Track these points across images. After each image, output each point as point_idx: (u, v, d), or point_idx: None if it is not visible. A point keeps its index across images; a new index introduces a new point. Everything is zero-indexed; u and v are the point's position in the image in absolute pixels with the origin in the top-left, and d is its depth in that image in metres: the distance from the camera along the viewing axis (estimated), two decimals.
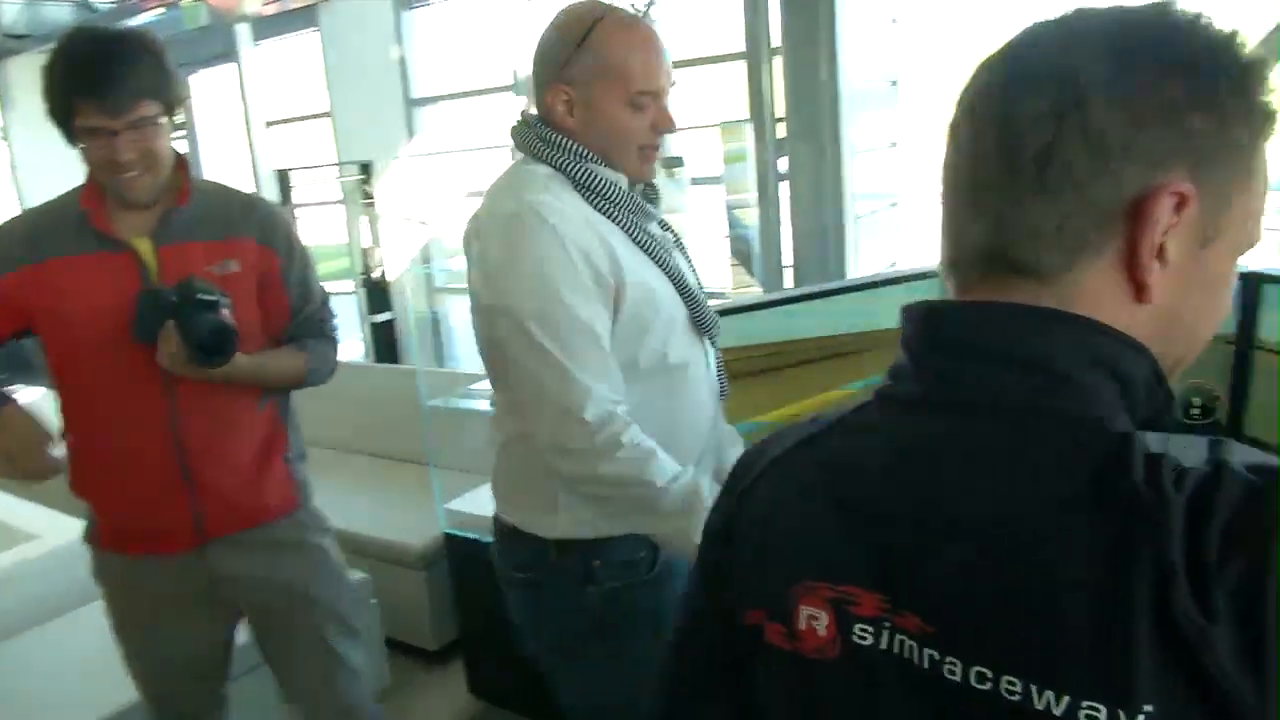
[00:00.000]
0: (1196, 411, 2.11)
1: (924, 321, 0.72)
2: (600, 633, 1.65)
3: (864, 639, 0.70)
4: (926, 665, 0.66)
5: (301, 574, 2.05)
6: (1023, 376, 0.66)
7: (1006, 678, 0.61)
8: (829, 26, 3.87)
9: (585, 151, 1.56)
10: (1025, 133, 0.65)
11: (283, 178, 6.11)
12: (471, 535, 2.92)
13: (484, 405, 3.22)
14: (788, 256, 4.31)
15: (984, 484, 0.66)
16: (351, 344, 5.62)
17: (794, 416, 2.29)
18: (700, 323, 1.64)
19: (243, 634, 2.10)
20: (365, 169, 5.72)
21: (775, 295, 2.42)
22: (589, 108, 1.55)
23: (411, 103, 5.78)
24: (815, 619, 0.72)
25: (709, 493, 1.49)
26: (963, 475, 0.67)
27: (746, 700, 0.80)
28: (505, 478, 1.73)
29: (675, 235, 1.74)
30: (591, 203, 1.54)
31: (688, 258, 1.74)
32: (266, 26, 6.36)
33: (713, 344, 1.71)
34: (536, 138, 1.58)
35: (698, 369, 1.67)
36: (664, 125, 1.60)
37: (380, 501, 3.57)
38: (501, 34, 5.28)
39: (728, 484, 0.86)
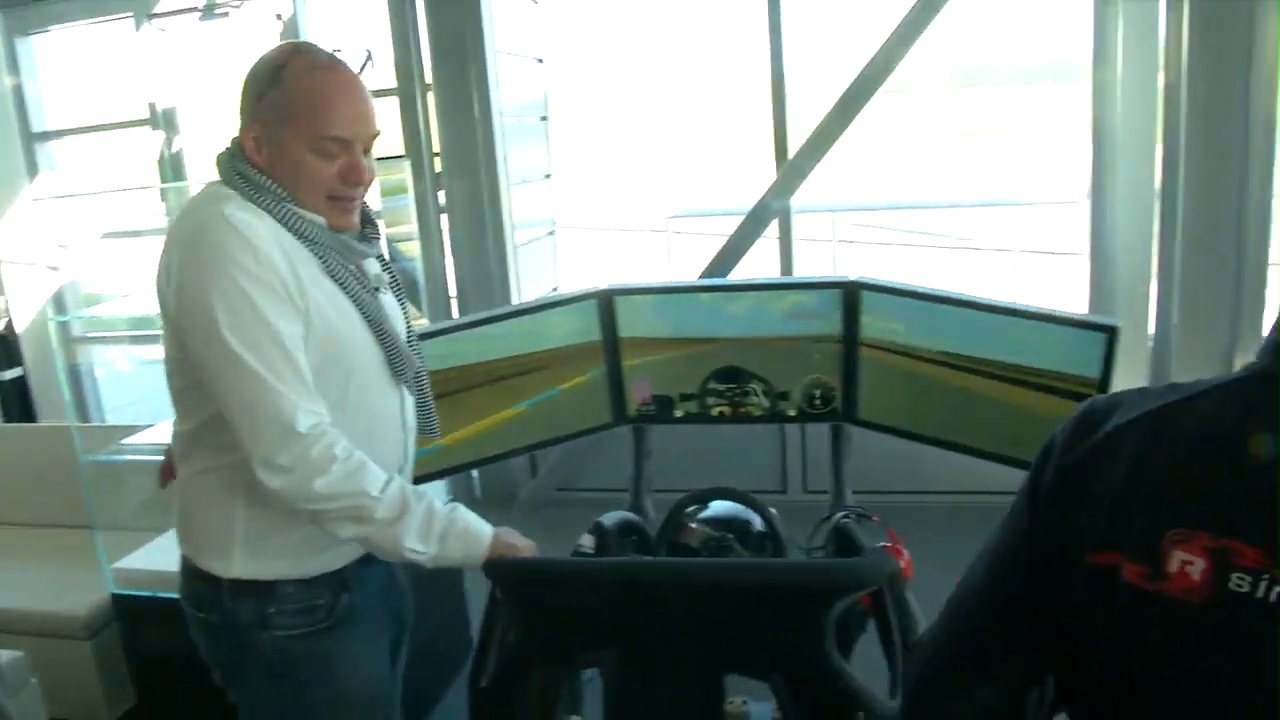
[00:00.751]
0: (819, 402, 2.45)
1: None
2: (272, 678, 1.63)
3: (1240, 587, 0.77)
4: None
5: None
6: None
7: None
8: (479, 63, 4.04)
9: (280, 190, 1.52)
10: None
11: None
12: (144, 593, 2.78)
13: (145, 457, 3.07)
14: (453, 287, 4.42)
15: None
16: None
17: (469, 438, 2.39)
18: (396, 368, 1.63)
19: None
20: None
21: (444, 324, 2.51)
22: (274, 147, 1.52)
23: (33, 137, 5.29)
24: (1190, 564, 0.79)
25: (413, 497, 1.52)
26: None
27: (1069, 632, 0.89)
28: (184, 515, 1.67)
29: (393, 275, 1.73)
30: (290, 233, 1.52)
31: (402, 299, 1.74)
32: None
33: (409, 389, 1.70)
34: (234, 171, 1.53)
35: (388, 416, 1.67)
36: (353, 177, 1.54)
37: (32, 572, 3.25)
38: (136, 63, 4.96)
39: (1073, 436, 0.92)
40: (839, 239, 6.16)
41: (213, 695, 2.72)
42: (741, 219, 4.24)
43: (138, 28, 4.93)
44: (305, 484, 1.44)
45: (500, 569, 1.56)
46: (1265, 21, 3.37)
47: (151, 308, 1.57)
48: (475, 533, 1.56)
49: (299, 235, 1.52)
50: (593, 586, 1.48)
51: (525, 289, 4.44)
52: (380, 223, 1.76)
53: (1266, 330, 0.88)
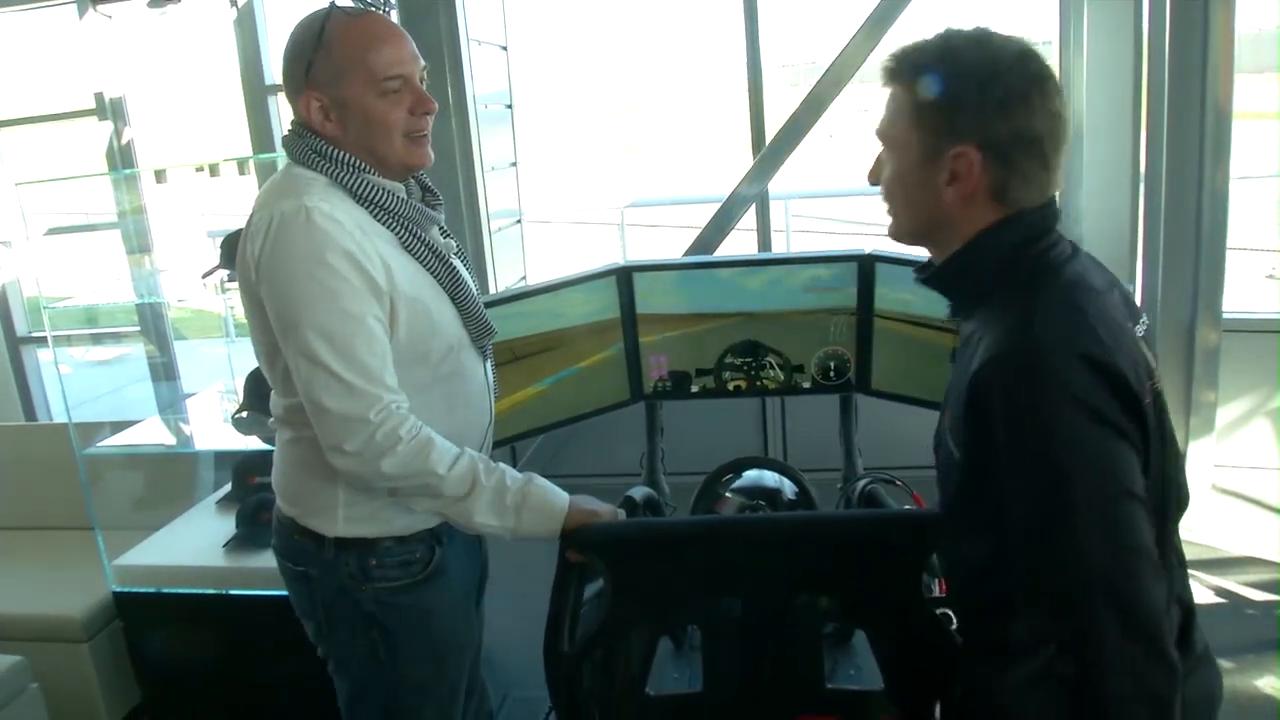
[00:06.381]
0: (833, 374, 2.49)
1: None
2: (369, 628, 1.69)
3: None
4: None
5: None
6: None
7: None
8: (453, 50, 4.00)
9: (358, 162, 1.56)
10: None
11: None
12: (147, 590, 2.70)
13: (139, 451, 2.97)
14: None
15: None
16: None
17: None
18: (474, 334, 1.69)
19: None
20: None
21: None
22: (341, 107, 1.56)
23: None
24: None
25: (483, 472, 1.56)
26: None
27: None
28: (286, 475, 1.72)
29: (457, 243, 1.76)
30: (370, 212, 1.55)
31: (467, 265, 1.77)
32: None
33: (487, 355, 1.77)
34: (309, 149, 1.57)
35: (476, 381, 1.73)
36: (422, 107, 1.59)
37: (26, 575, 3.12)
38: (81, 51, 4.78)
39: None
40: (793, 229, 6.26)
41: (217, 690, 2.67)
42: (696, 206, 4.28)
43: (80, 15, 4.76)
44: (372, 465, 1.51)
45: (581, 539, 1.56)
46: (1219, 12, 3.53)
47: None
48: (550, 504, 1.59)
49: (380, 208, 1.56)
50: (701, 545, 1.49)
51: (501, 276, 4.42)
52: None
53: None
